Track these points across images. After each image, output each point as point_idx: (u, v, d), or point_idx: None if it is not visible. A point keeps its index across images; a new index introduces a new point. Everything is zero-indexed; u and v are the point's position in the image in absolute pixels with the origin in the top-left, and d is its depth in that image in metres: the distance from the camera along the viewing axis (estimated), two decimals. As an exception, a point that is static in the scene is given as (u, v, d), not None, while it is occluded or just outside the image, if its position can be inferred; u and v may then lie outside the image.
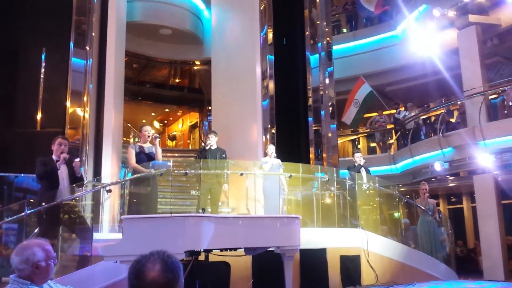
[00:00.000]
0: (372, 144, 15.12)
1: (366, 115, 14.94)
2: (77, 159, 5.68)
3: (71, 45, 7.54)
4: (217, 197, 7.20)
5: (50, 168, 5.21)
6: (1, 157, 6.89)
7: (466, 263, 12.31)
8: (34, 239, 2.35)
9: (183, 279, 1.52)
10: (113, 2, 8.26)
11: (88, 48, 7.65)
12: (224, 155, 7.29)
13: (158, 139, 6.37)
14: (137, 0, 10.81)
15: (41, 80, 7.36)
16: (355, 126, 14.62)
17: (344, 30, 16.56)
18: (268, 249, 4.94)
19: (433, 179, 12.82)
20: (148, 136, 6.34)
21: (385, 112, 14.74)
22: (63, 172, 5.36)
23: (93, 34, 7.79)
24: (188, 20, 11.56)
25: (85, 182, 6.13)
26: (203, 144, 7.28)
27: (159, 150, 6.34)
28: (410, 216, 9.30)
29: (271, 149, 7.51)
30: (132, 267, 1.50)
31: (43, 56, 7.41)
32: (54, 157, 5.33)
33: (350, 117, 13.86)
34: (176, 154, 12.55)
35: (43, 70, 7.39)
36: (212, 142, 7.25)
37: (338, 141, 11.59)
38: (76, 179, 5.50)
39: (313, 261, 6.38)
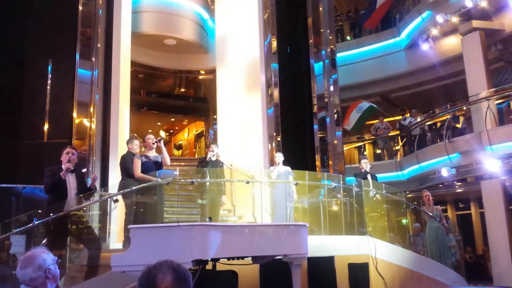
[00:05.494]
0: (378, 151, 15.07)
1: (368, 122, 14.90)
2: (96, 175, 5.73)
3: (77, 56, 7.63)
4: (218, 206, 7.18)
5: (56, 179, 5.19)
6: (9, 168, 6.94)
7: (476, 269, 12.20)
8: (33, 249, 2.43)
9: (192, 288, 1.51)
10: (118, 14, 8.34)
11: (94, 59, 7.72)
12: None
13: (161, 141, 6.32)
14: (142, 11, 10.89)
15: (48, 91, 7.43)
16: (357, 130, 14.58)
17: (348, 38, 16.59)
18: (276, 258, 4.91)
19: (440, 185, 12.75)
20: (153, 144, 6.29)
21: (386, 119, 14.67)
22: (70, 183, 5.32)
23: (99, 45, 7.86)
24: (193, 30, 11.62)
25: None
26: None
27: (166, 153, 6.30)
28: (418, 222, 9.24)
29: (278, 156, 7.50)
30: (144, 279, 1.47)
31: (49, 68, 7.49)
32: (63, 166, 5.34)
33: (351, 123, 13.89)
34: (183, 163, 12.55)
35: (49, 81, 7.47)
36: (215, 153, 7.25)
37: (344, 148, 11.56)
38: (86, 190, 5.51)
39: (321, 269, 6.33)
